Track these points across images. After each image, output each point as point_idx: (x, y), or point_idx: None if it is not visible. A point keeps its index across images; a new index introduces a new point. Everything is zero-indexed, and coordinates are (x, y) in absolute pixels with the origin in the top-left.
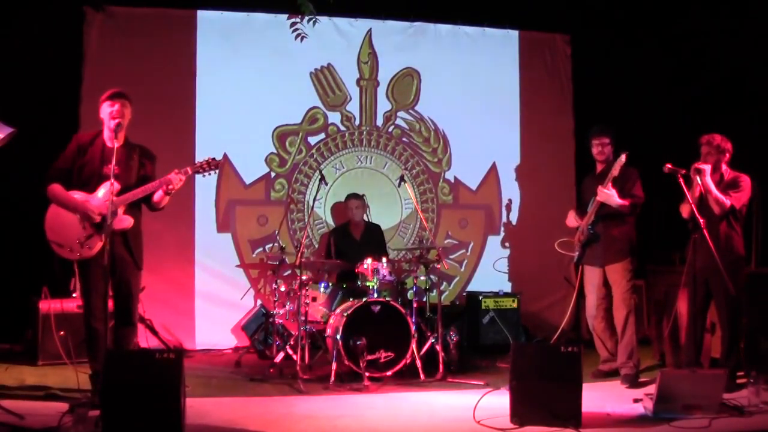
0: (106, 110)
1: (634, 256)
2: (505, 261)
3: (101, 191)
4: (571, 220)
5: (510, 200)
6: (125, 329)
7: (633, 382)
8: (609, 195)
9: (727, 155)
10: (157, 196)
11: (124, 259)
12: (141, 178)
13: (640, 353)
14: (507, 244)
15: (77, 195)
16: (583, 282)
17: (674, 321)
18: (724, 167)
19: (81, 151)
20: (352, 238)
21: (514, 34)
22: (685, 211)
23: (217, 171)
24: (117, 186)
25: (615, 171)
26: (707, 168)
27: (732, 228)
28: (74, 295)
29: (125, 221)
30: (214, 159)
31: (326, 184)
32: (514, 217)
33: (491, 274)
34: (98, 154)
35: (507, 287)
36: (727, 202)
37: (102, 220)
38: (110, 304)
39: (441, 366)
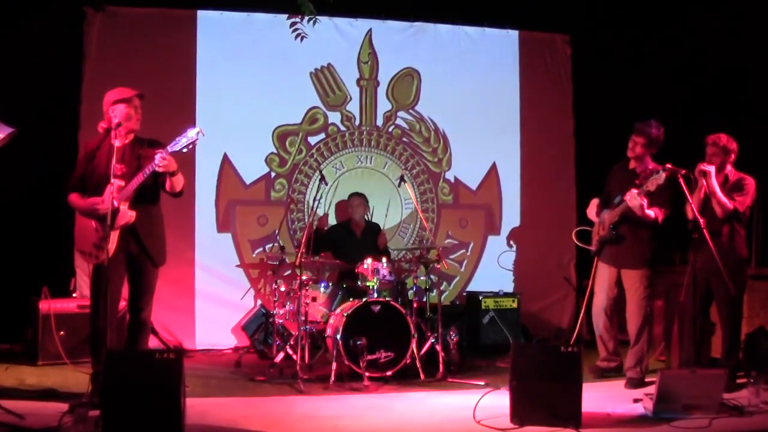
0: (111, 113)
1: (655, 264)
2: (509, 257)
3: (107, 191)
4: (593, 211)
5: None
6: (138, 334)
7: (637, 386)
8: (639, 205)
9: (733, 156)
10: (167, 184)
11: (139, 258)
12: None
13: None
14: (512, 242)
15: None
16: (595, 278)
17: (675, 321)
18: (729, 168)
19: (89, 157)
20: (354, 235)
21: (514, 34)
22: (688, 211)
23: (196, 138)
24: (122, 183)
25: (651, 186)
26: (712, 170)
27: (735, 230)
28: (74, 295)
29: (126, 216)
30: (186, 131)
31: (326, 184)
32: (515, 217)
33: (491, 273)
34: (104, 157)
35: (507, 287)
36: (730, 204)
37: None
38: (122, 304)
39: (441, 366)
